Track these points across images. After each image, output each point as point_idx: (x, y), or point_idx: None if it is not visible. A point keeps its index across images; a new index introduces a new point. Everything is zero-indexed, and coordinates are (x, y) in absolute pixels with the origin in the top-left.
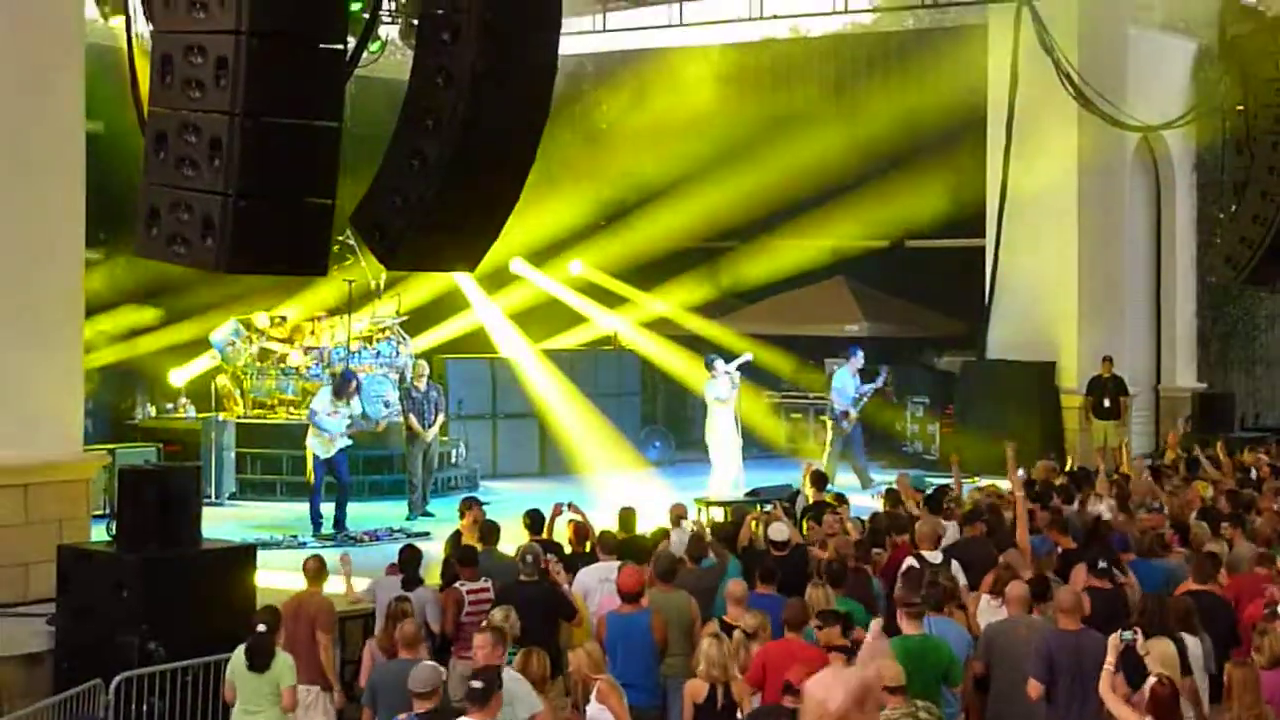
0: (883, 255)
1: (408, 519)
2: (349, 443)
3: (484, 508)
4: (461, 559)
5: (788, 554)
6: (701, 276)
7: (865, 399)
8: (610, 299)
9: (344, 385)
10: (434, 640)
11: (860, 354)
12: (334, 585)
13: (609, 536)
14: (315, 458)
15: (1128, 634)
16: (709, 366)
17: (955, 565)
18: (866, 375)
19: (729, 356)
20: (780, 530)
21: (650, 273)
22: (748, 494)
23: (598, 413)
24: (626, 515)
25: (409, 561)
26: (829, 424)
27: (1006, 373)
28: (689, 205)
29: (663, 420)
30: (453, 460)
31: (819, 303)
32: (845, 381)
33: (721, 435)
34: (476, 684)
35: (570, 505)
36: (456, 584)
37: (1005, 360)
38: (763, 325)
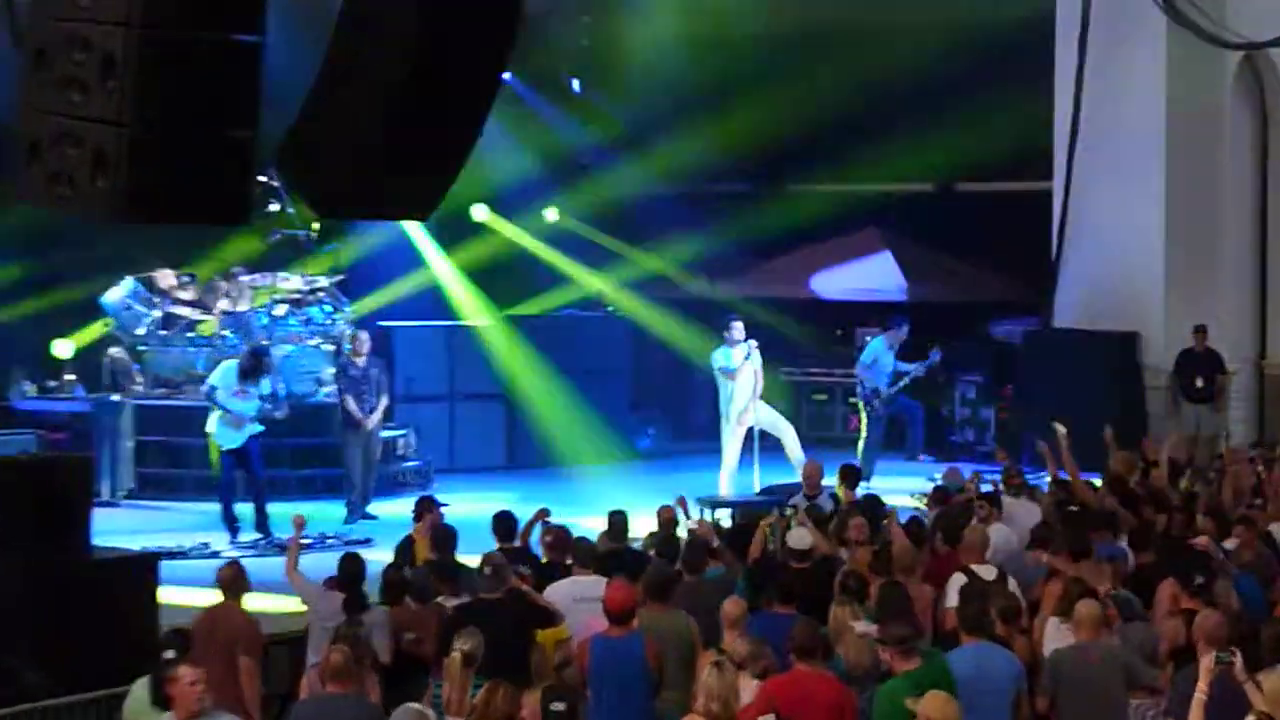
0: (927, 202)
1: (346, 523)
2: (260, 428)
3: (442, 510)
4: (441, 573)
5: (810, 566)
6: (706, 228)
7: (907, 381)
8: (595, 254)
9: (253, 363)
10: (384, 673)
11: (905, 328)
12: (257, 601)
13: (586, 546)
14: (220, 448)
15: (1224, 655)
16: (726, 328)
17: (1012, 582)
18: (913, 352)
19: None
20: (802, 537)
21: (644, 223)
22: (760, 492)
23: (578, 393)
24: (617, 521)
25: (351, 575)
26: (860, 407)
27: (1078, 345)
28: (692, 140)
29: (658, 402)
30: (400, 452)
31: (849, 260)
32: (880, 354)
33: (724, 416)
34: None
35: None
36: (439, 599)
37: (1077, 330)
38: (779, 287)
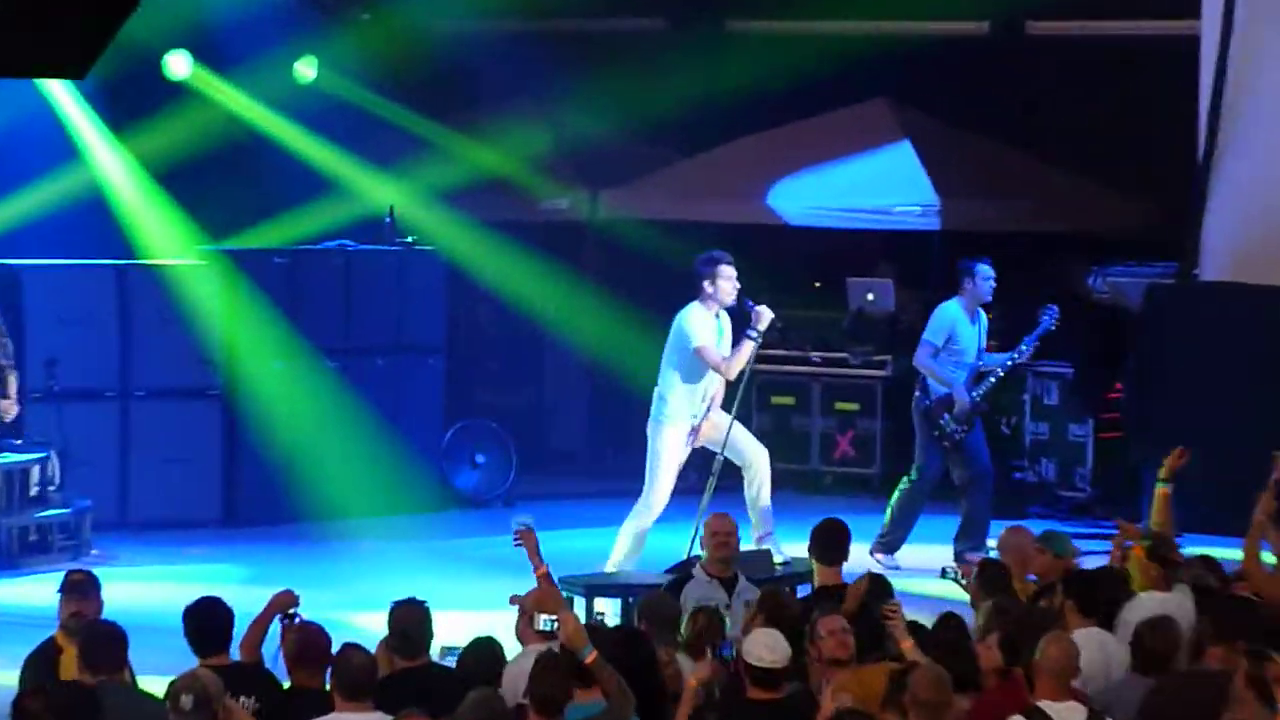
0: (976, 54)
1: None
2: None
3: (100, 594)
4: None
5: (783, 697)
6: (584, 98)
7: (996, 377)
8: (384, 142)
9: None
10: None
11: (989, 278)
12: None
13: (358, 663)
14: None
15: None
16: (704, 273)
17: None
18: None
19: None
20: (768, 645)
21: (471, 87)
22: (672, 570)
23: (356, 390)
24: (409, 620)
25: None
26: (915, 411)
27: (1239, 309)
28: None
29: (498, 404)
30: (33, 491)
31: (837, 155)
32: (957, 328)
33: (656, 422)
34: None
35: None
36: None
37: (1235, 285)
38: (712, 204)
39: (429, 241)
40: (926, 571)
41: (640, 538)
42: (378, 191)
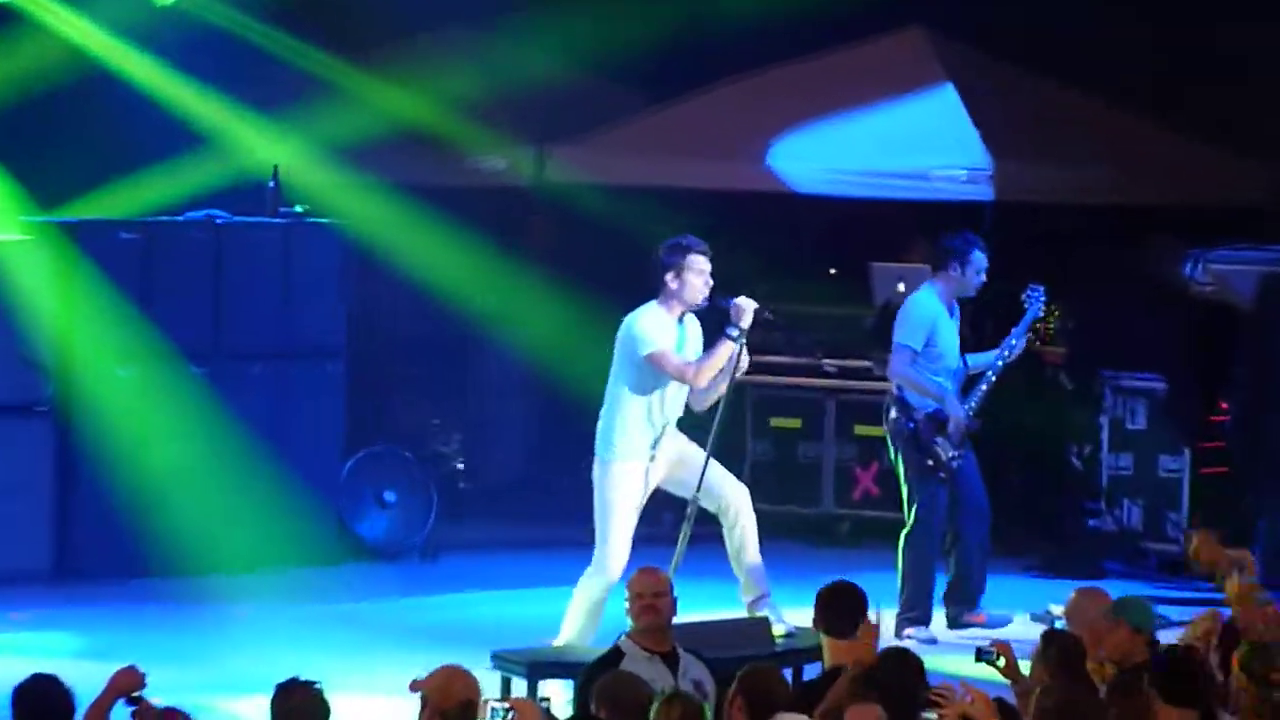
0: None
1: None
2: None
3: None
4: None
5: None
6: (524, 25)
7: (995, 372)
8: (264, 83)
9: None
10: None
11: (983, 269)
12: None
13: None
14: None
15: None
16: (669, 264)
17: None
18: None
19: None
20: None
21: (376, 15)
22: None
23: (232, 404)
24: (296, 706)
25: None
26: (896, 455)
27: None
28: None
29: (411, 428)
30: None
31: (853, 104)
32: (935, 322)
33: (616, 485)
34: None
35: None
36: None
37: None
38: (693, 167)
39: (325, 212)
40: (961, 647)
41: (597, 606)
42: (259, 147)
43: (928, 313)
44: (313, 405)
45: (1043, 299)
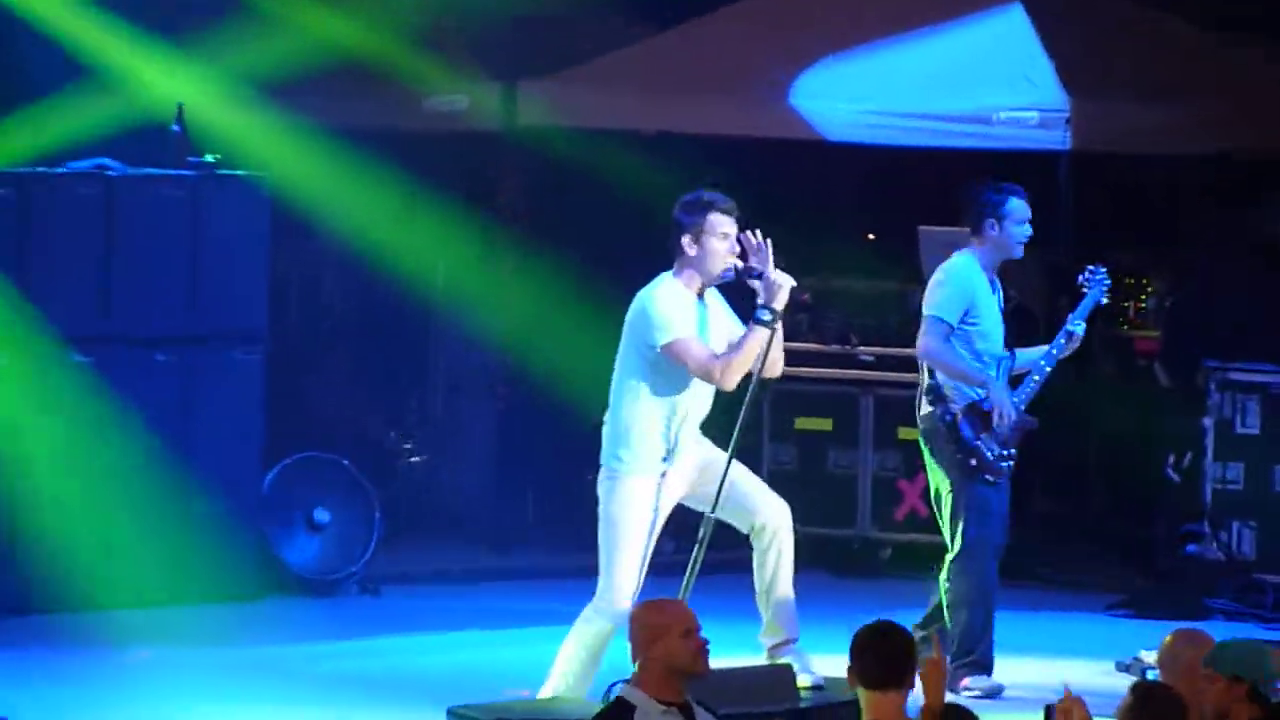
0: None
1: None
2: None
3: None
4: None
5: None
6: None
7: (1051, 361)
8: (167, 2)
9: None
10: None
11: (1024, 219)
12: None
13: None
14: None
15: None
16: (685, 223)
17: None
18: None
19: None
20: None
21: None
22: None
23: (116, 400)
24: None
25: None
26: (930, 454)
27: None
28: None
29: (348, 430)
30: None
31: (890, 33)
32: (974, 296)
33: (626, 502)
34: None
35: None
36: None
37: None
38: (690, 109)
39: (243, 163)
40: (1025, 702)
41: (598, 651)
42: (159, 81)
43: (966, 282)
44: (228, 402)
45: (1106, 283)
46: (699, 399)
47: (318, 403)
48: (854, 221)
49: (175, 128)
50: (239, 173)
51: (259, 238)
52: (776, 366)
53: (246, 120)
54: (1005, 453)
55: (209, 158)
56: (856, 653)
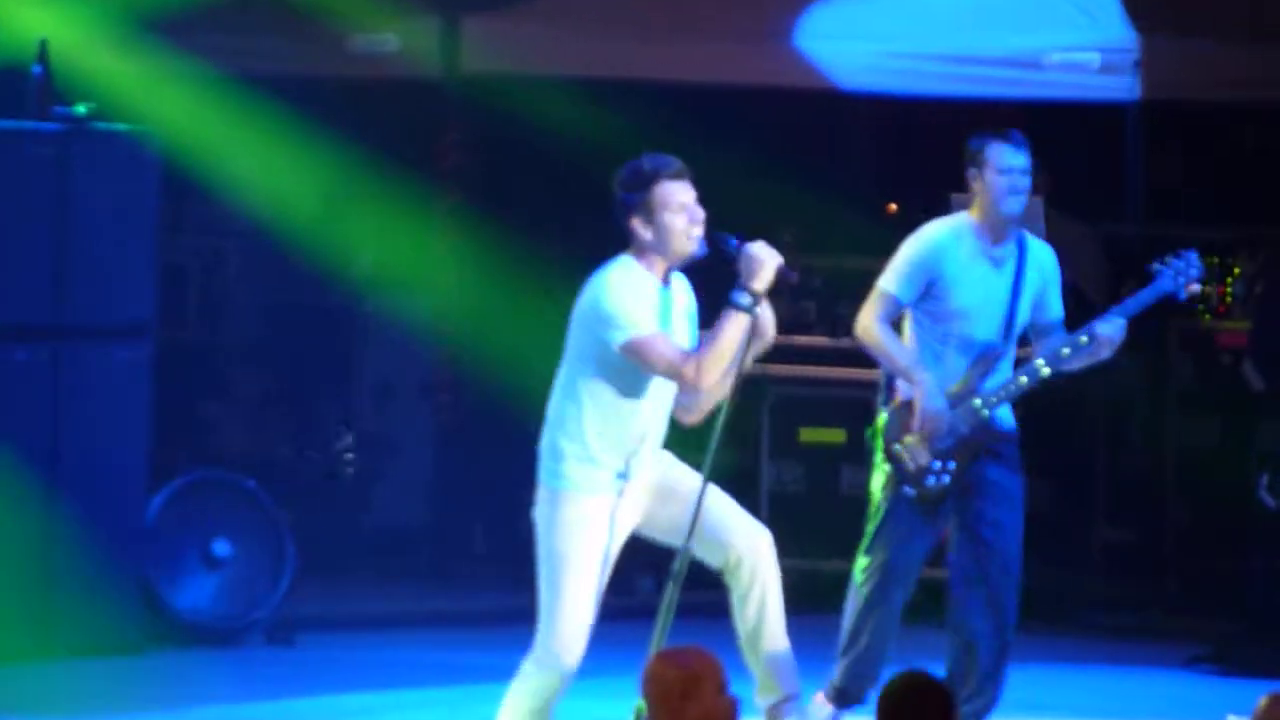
0: None
1: None
2: None
3: None
4: None
5: None
6: None
7: (1074, 360)
8: None
9: None
10: None
11: (1015, 169)
12: None
13: None
14: None
15: None
16: (630, 201)
17: None
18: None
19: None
20: None
21: None
22: None
23: None
24: None
25: None
26: (881, 467)
27: None
28: None
29: (253, 443)
30: None
31: None
32: (943, 263)
33: (569, 530)
34: None
35: None
36: None
37: None
38: (686, 50)
39: (124, 115)
40: None
41: (543, 710)
42: (19, 15)
43: (929, 250)
44: (105, 410)
45: (1192, 272)
46: (658, 404)
47: (217, 412)
48: (873, 188)
49: (36, 70)
50: (118, 127)
51: (144, 208)
52: (766, 339)
53: (127, 62)
54: (937, 465)
55: (80, 108)
56: (885, 710)
